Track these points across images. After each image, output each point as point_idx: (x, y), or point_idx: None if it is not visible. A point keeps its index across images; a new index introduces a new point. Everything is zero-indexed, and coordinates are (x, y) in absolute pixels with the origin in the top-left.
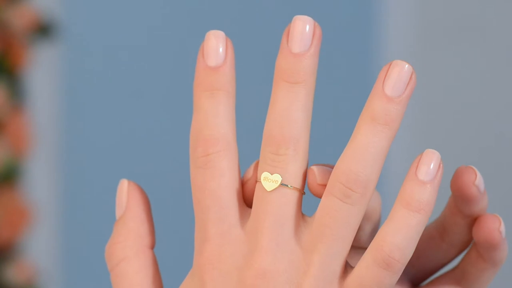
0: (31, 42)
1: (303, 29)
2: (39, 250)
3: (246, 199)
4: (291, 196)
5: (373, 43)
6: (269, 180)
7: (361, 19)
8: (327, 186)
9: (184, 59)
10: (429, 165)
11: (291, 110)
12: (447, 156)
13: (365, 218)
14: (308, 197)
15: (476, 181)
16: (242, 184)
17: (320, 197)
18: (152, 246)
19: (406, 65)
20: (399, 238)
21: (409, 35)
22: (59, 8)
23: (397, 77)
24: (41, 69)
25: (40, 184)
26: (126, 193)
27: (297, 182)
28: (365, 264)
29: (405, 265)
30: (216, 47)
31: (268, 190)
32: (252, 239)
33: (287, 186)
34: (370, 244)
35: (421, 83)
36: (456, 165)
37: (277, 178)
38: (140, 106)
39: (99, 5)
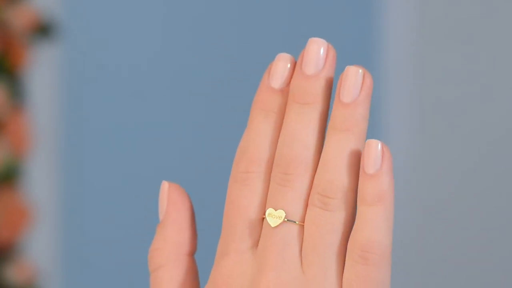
0: (31, 42)
1: (317, 52)
2: (39, 250)
3: None
4: (295, 230)
5: (373, 44)
6: (273, 216)
7: (361, 19)
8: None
9: (185, 58)
10: (373, 156)
11: (301, 131)
12: (448, 157)
13: None
14: None
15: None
16: None
17: None
18: (192, 253)
19: (358, 70)
20: (367, 232)
21: (409, 36)
22: (59, 8)
23: (349, 83)
24: (41, 69)
25: (40, 184)
26: (166, 196)
27: (299, 214)
28: (348, 268)
29: (387, 256)
30: (283, 70)
31: (273, 226)
32: (261, 259)
33: (295, 222)
34: (347, 250)
35: (421, 84)
36: (456, 166)
37: (281, 214)
38: (140, 106)
39: (99, 5)
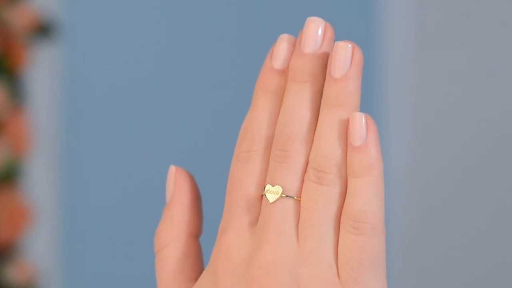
0: (31, 42)
1: (315, 31)
2: (39, 250)
3: None
4: (292, 205)
5: (373, 43)
6: (270, 192)
7: (361, 19)
8: None
9: (185, 59)
10: (358, 129)
11: (297, 109)
12: (448, 157)
13: None
14: None
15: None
16: None
17: None
18: (196, 234)
19: (347, 44)
20: (358, 203)
21: (409, 35)
22: (59, 8)
23: (339, 58)
24: (41, 69)
25: (40, 184)
26: (173, 179)
27: (296, 189)
28: (342, 239)
29: (379, 225)
30: (285, 51)
31: (271, 201)
32: (259, 234)
33: (292, 197)
34: (341, 221)
35: (421, 84)
36: (456, 166)
37: (278, 189)
38: (140, 106)
39: (99, 5)
